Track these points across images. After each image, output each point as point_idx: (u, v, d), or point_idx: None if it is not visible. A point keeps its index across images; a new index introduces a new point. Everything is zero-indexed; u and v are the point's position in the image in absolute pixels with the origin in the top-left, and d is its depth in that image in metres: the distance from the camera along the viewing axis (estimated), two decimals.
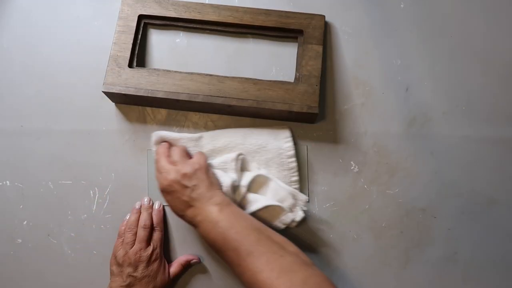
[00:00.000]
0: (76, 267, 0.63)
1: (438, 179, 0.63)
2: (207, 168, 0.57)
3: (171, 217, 0.64)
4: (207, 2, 0.68)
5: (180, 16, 0.66)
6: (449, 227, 0.62)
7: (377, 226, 0.63)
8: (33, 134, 0.67)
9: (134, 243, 0.59)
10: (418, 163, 0.64)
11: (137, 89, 0.63)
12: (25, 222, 0.65)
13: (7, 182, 0.66)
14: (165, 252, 0.63)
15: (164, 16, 0.67)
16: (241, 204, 0.59)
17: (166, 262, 0.61)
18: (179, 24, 0.68)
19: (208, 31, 0.69)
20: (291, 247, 0.52)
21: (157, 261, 0.59)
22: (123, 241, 0.60)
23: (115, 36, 0.65)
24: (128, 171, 0.65)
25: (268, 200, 0.59)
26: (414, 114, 0.65)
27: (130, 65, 0.64)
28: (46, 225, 0.64)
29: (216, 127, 0.66)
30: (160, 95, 0.62)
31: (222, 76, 0.63)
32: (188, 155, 0.61)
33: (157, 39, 0.69)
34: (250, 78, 0.64)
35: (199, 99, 0.62)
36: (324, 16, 0.66)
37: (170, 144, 0.62)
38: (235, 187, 0.58)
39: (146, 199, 0.64)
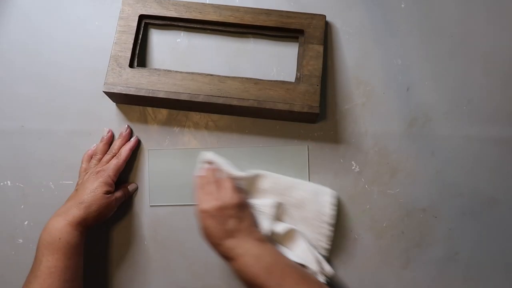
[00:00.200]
0: None
1: (439, 179, 0.63)
2: (251, 206, 0.58)
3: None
4: (208, 2, 0.68)
5: (181, 16, 0.66)
6: (450, 227, 0.62)
7: (378, 226, 0.63)
8: (34, 134, 0.67)
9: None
10: (419, 163, 0.64)
11: (138, 89, 0.63)
12: (26, 222, 0.65)
13: (8, 182, 0.66)
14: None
15: (165, 16, 0.67)
16: None
17: (113, 189, 0.60)
18: (180, 24, 0.68)
19: (209, 31, 0.69)
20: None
21: (99, 180, 0.58)
22: (85, 167, 0.63)
23: (115, 36, 0.65)
24: (129, 171, 0.65)
25: (297, 256, 0.57)
26: (415, 114, 0.65)
27: (131, 65, 0.64)
28: None
29: (217, 127, 0.66)
30: (161, 95, 0.62)
31: (223, 76, 0.63)
32: (235, 188, 0.58)
33: (158, 39, 0.69)
34: (251, 78, 0.64)
35: (200, 99, 0.62)
36: (324, 16, 0.66)
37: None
38: (271, 233, 0.58)
39: (125, 127, 0.65)
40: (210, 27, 0.68)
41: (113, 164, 0.61)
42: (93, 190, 0.57)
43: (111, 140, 0.65)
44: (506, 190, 0.63)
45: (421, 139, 0.65)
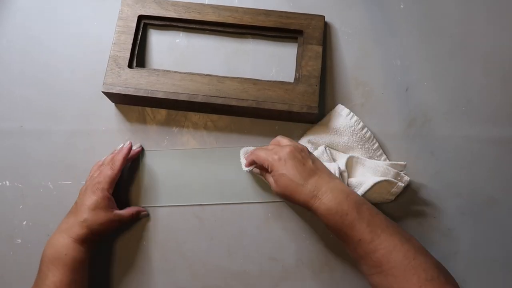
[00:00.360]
0: None
1: (438, 179, 0.63)
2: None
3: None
4: (207, 3, 0.68)
5: (180, 16, 0.67)
6: (450, 227, 0.62)
7: None
8: (33, 134, 0.67)
9: None
10: (418, 163, 0.64)
11: (136, 90, 0.63)
12: (24, 222, 0.65)
13: (7, 182, 0.66)
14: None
15: (164, 16, 0.67)
16: None
17: (114, 203, 0.59)
18: (179, 24, 0.68)
19: (208, 31, 0.69)
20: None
21: (97, 194, 0.57)
22: (90, 176, 0.61)
23: (115, 36, 0.65)
24: (128, 171, 0.65)
25: (373, 178, 0.57)
26: (414, 114, 0.65)
27: (130, 66, 0.64)
28: (46, 225, 0.64)
29: (216, 127, 0.66)
30: (159, 95, 0.62)
31: (221, 77, 0.63)
32: None
33: (157, 39, 0.69)
34: (250, 79, 0.64)
35: (198, 99, 0.62)
36: (324, 17, 0.66)
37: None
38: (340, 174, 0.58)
39: (127, 142, 0.64)
40: (209, 27, 0.68)
41: (107, 177, 0.58)
42: (93, 208, 0.56)
43: (129, 152, 0.63)
44: (506, 190, 0.63)
45: (421, 140, 0.65)
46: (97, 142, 0.66)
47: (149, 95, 0.62)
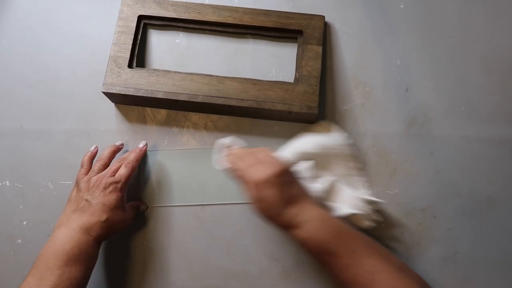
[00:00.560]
0: None
1: (438, 179, 0.63)
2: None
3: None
4: (206, 3, 0.68)
5: (179, 16, 0.67)
6: (449, 227, 0.62)
7: (377, 226, 0.62)
8: (33, 134, 0.67)
9: (99, 172, 0.59)
10: (418, 164, 0.64)
11: (136, 90, 0.63)
12: (25, 223, 0.65)
13: (7, 182, 0.66)
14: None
15: (164, 16, 0.67)
16: None
17: (126, 203, 0.59)
18: (179, 24, 0.68)
19: (207, 31, 0.69)
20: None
21: (116, 194, 0.56)
22: (86, 170, 0.60)
23: (114, 36, 0.65)
24: None
25: (347, 209, 0.57)
26: (414, 114, 0.65)
27: (130, 66, 0.64)
28: (46, 225, 0.64)
29: (216, 127, 0.66)
30: (159, 95, 0.62)
31: (221, 77, 0.63)
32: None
33: (156, 39, 0.69)
34: (250, 79, 0.64)
35: (198, 100, 0.62)
36: (323, 17, 0.66)
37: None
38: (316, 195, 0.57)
39: (143, 143, 0.63)
40: (209, 27, 0.68)
41: (124, 176, 0.58)
42: (113, 208, 0.56)
43: (119, 151, 0.63)
44: (505, 190, 0.63)
45: (420, 140, 0.65)
46: (97, 142, 0.65)
47: (149, 95, 0.62)
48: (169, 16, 0.67)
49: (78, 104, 0.67)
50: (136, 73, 0.64)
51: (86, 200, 0.56)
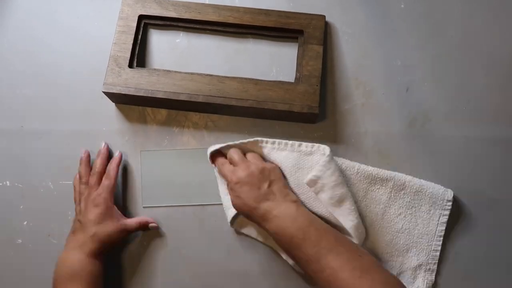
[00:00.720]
0: None
1: (438, 179, 0.63)
2: (278, 170, 0.58)
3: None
4: (207, 2, 0.68)
5: (180, 16, 0.66)
6: (449, 227, 0.62)
7: None
8: (33, 134, 0.67)
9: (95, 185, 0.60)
10: (418, 163, 0.64)
11: (137, 89, 0.63)
12: (25, 223, 0.65)
13: (7, 182, 0.66)
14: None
15: (164, 16, 0.67)
16: None
17: (118, 212, 0.60)
18: (179, 24, 0.68)
19: (208, 31, 0.69)
20: (363, 249, 0.53)
21: (100, 208, 0.58)
22: (85, 181, 0.61)
23: (115, 36, 0.65)
24: (128, 171, 0.65)
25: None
26: (414, 114, 0.65)
27: (130, 65, 0.64)
28: (47, 225, 0.64)
29: (216, 127, 0.66)
30: (160, 95, 0.62)
31: (222, 76, 0.63)
32: (258, 156, 0.60)
33: (157, 39, 0.69)
34: (250, 78, 0.64)
35: (199, 99, 0.62)
36: (324, 16, 0.66)
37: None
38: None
39: (102, 144, 0.64)
40: (209, 27, 0.68)
41: (105, 187, 0.60)
42: (99, 221, 0.58)
43: (89, 159, 0.64)
44: (506, 190, 0.63)
45: (421, 140, 0.65)
46: (98, 142, 0.65)
47: (150, 95, 0.62)
48: (169, 16, 0.67)
49: (79, 104, 0.67)
50: (137, 73, 0.64)
51: (79, 220, 0.59)
